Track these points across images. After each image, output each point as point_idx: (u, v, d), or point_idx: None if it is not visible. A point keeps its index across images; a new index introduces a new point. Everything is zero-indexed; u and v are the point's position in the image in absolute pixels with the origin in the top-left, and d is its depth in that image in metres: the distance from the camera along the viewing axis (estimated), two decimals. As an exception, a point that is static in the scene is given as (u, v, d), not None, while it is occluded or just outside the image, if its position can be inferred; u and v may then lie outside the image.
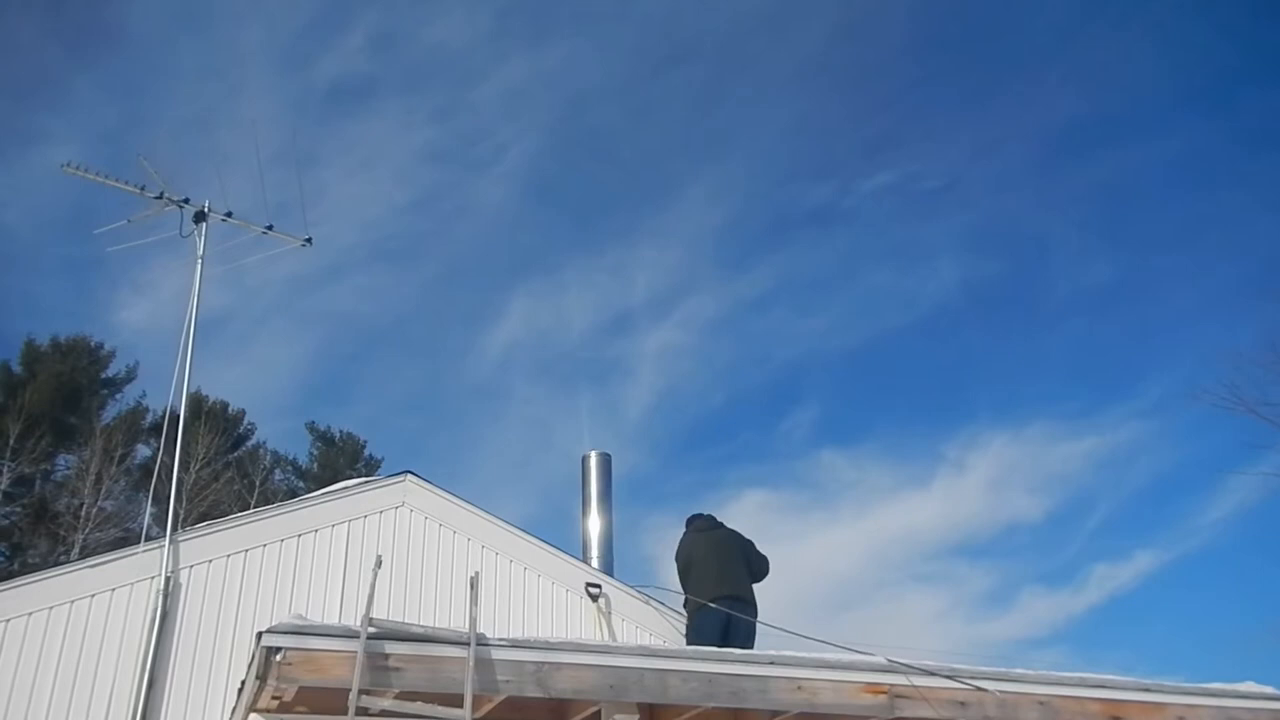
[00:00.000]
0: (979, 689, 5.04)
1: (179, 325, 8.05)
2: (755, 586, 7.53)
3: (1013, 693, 5.18)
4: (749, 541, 7.75)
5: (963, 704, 5.05)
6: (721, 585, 7.21)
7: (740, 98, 47.28)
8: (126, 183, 8.52)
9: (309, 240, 9.08)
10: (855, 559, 45.04)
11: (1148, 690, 5.58)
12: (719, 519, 7.88)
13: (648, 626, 8.07)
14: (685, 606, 7.51)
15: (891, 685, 4.95)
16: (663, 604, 8.25)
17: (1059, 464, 44.59)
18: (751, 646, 6.84)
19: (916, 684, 4.98)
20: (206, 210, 8.68)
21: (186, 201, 8.67)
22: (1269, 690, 5.96)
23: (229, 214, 8.82)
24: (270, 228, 8.93)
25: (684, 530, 7.91)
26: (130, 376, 33.23)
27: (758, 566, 7.65)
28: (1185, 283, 41.42)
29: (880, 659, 5.07)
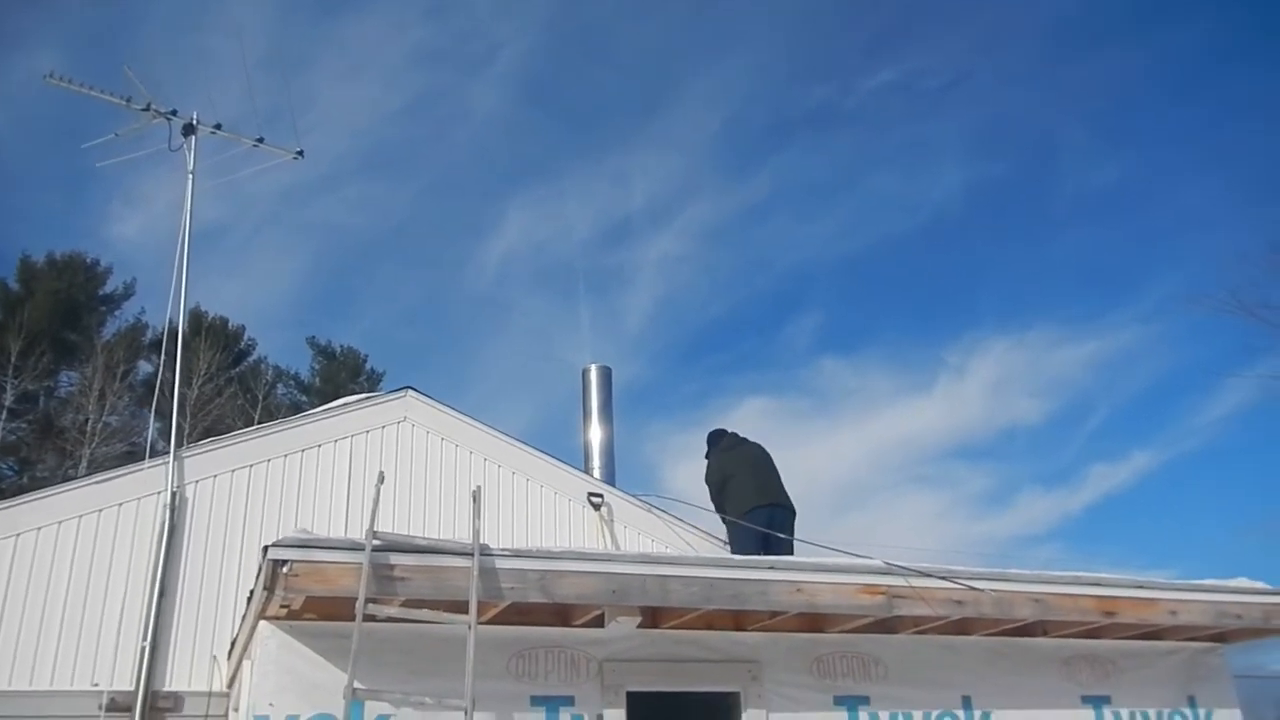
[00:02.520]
0: (974, 589, 5.13)
1: (173, 239, 7.99)
2: None
3: (1008, 591, 5.29)
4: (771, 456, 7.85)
5: (959, 602, 5.16)
6: (761, 495, 7.35)
7: (737, -8, 46.08)
8: (112, 94, 8.34)
9: (300, 153, 8.94)
10: (856, 463, 45.71)
11: (1140, 587, 5.70)
12: (740, 434, 7.98)
13: (649, 533, 8.20)
14: (723, 520, 7.65)
15: (889, 586, 5.05)
16: (665, 511, 8.37)
17: (1060, 368, 44.91)
18: (793, 549, 6.99)
19: (914, 585, 5.07)
20: (195, 123, 8.52)
21: (174, 113, 8.50)
22: (1260, 585, 6.09)
23: (218, 126, 8.66)
24: (261, 140, 8.79)
25: (708, 449, 7.98)
26: (128, 293, 33.20)
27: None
28: (1190, 183, 41.00)
29: (878, 562, 5.16)
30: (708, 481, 7.83)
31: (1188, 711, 6.17)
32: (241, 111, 9.00)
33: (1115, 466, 48.29)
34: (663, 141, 53.40)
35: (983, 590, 5.14)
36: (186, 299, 7.89)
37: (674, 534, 8.20)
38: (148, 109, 8.38)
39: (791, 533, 7.29)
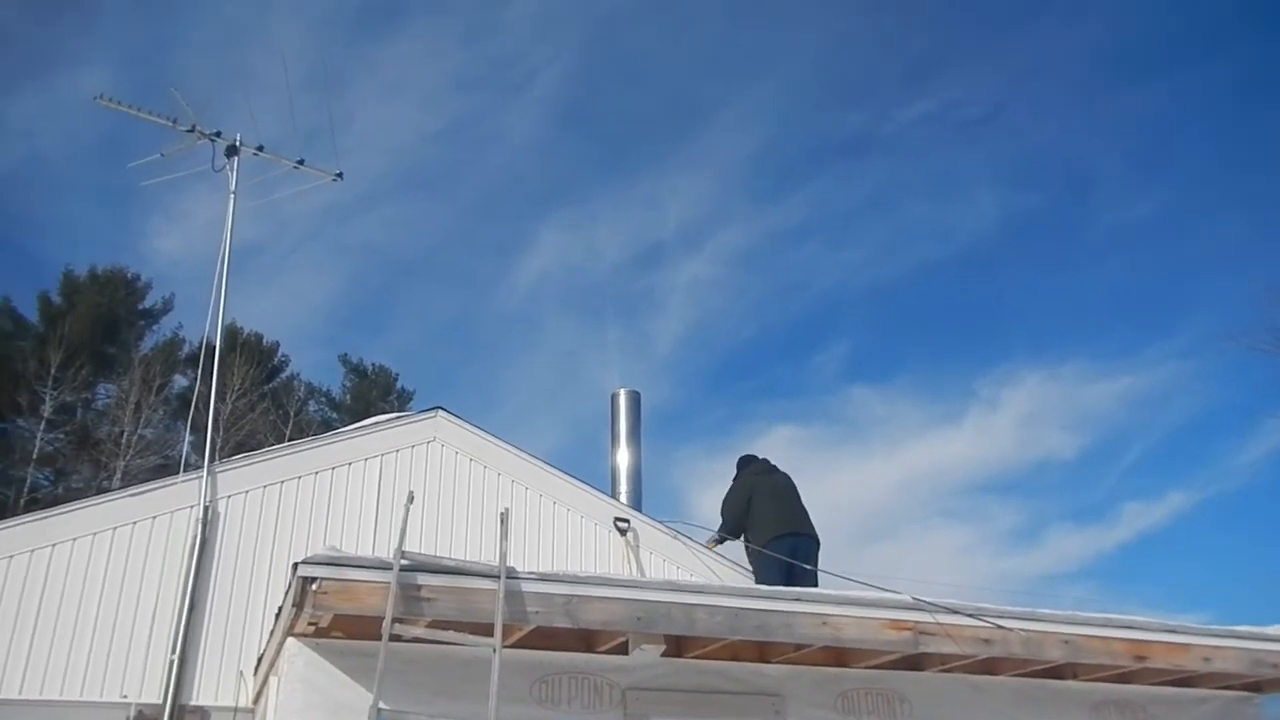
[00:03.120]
0: (1002, 628, 5.06)
1: (213, 256, 8.14)
2: None
3: (1037, 631, 5.22)
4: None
5: (987, 641, 5.09)
6: (784, 524, 7.35)
7: (775, 19, 46.37)
8: (158, 115, 8.53)
9: (340, 175, 9.07)
10: (883, 494, 45.23)
11: (1173, 631, 5.59)
12: (772, 462, 7.99)
13: (675, 559, 8.18)
14: (746, 550, 7.63)
15: (916, 622, 4.99)
16: (691, 539, 8.35)
17: (1093, 402, 44.32)
18: (816, 581, 6.97)
19: (941, 621, 5.02)
20: (238, 144, 8.69)
21: (218, 135, 8.68)
22: (1296, 633, 5.96)
23: (260, 148, 8.82)
24: (301, 162, 8.94)
25: (737, 472, 8.00)
26: (167, 308, 33.74)
27: None
28: (1229, 218, 40.50)
29: (906, 597, 5.11)
30: (727, 501, 7.81)
31: (1220, 760, 6.04)
32: (283, 131, 9.15)
33: (1150, 505, 47.46)
34: (696, 165, 53.66)
35: (1011, 629, 5.08)
36: (224, 316, 8.04)
37: (699, 561, 8.17)
38: (192, 130, 8.55)
39: (816, 564, 7.27)
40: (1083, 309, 46.67)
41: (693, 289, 51.75)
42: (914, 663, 5.44)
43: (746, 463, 8.08)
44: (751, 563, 7.60)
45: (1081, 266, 46.75)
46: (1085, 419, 45.81)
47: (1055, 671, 5.72)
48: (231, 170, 8.61)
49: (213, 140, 8.64)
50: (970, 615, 5.05)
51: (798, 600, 4.89)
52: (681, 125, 54.29)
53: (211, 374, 8.05)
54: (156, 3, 41.96)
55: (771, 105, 51.60)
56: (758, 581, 7.12)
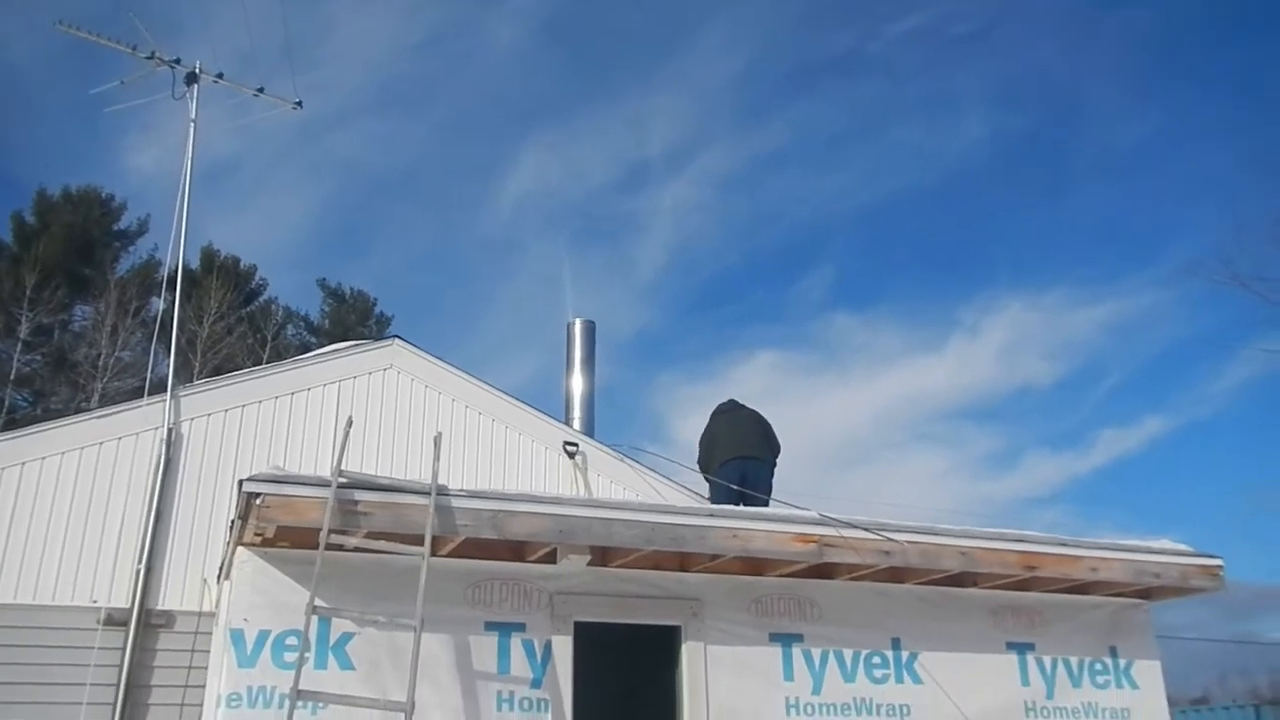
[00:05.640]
0: (893, 540, 5.53)
1: (180, 180, 8.36)
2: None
3: (934, 544, 5.70)
4: (767, 422, 8.23)
5: (887, 553, 5.58)
6: (731, 450, 7.78)
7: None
8: (118, 42, 8.69)
9: (299, 103, 9.27)
10: (863, 419, 46.03)
11: (1063, 544, 6.10)
12: (740, 402, 8.38)
13: (623, 481, 8.63)
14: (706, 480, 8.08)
15: (821, 535, 5.47)
16: (638, 462, 8.80)
17: (1074, 330, 44.79)
18: (768, 495, 7.45)
19: (844, 535, 5.49)
20: (198, 72, 8.84)
21: (178, 62, 8.83)
22: (1181, 547, 6.49)
23: (220, 75, 8.99)
24: (261, 90, 9.13)
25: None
26: (142, 229, 33.54)
27: (773, 439, 8.16)
28: (1219, 145, 40.48)
29: (812, 513, 5.58)
30: (699, 443, 8.25)
31: (1108, 660, 6.58)
32: (246, 54, 9.29)
33: (1126, 431, 48.41)
34: (679, 84, 53.15)
35: (903, 542, 5.56)
36: (188, 242, 8.35)
37: (645, 483, 8.62)
38: (151, 56, 8.71)
39: (766, 483, 7.69)
40: (1067, 235, 46.94)
41: (676, 212, 51.74)
42: (824, 572, 5.92)
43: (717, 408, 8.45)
44: (709, 490, 8.04)
45: (1067, 191, 46.85)
46: (1065, 346, 46.50)
47: (957, 580, 6.23)
48: (191, 98, 8.78)
49: (172, 67, 8.80)
50: (868, 530, 5.52)
51: (711, 515, 5.35)
52: (665, 42, 53.70)
53: (174, 302, 8.36)
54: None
55: (759, 21, 50.94)
56: (713, 503, 7.56)
